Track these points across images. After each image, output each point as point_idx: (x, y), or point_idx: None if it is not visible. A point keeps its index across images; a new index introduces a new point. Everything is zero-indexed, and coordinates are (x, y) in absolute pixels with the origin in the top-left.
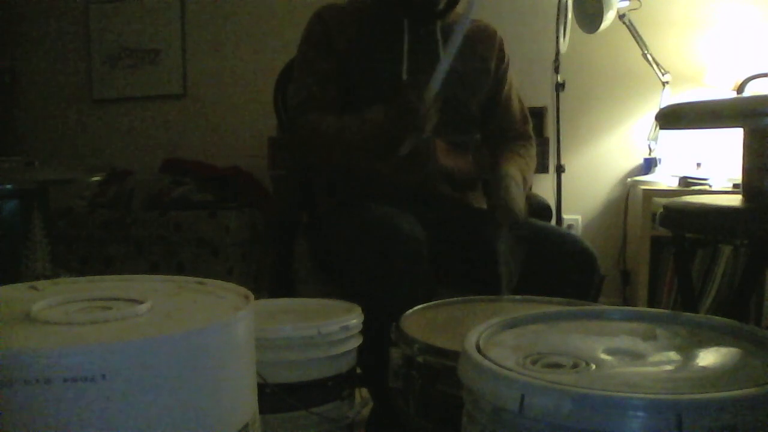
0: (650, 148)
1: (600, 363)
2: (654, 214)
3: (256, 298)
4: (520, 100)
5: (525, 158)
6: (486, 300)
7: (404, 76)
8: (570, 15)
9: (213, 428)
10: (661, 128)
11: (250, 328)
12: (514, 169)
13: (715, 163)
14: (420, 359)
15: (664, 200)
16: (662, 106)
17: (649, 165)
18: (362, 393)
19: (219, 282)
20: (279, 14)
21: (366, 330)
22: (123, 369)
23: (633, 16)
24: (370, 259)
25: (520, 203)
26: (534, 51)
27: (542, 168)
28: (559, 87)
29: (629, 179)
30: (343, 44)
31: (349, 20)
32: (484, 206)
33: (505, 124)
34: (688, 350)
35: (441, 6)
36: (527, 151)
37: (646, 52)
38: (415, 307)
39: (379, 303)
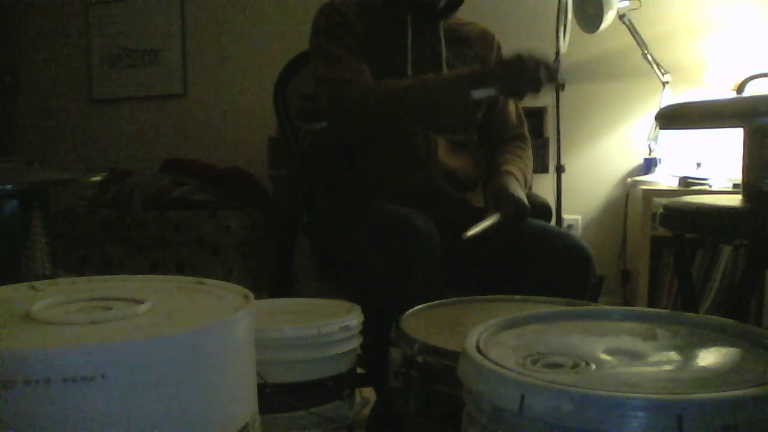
0: (650, 148)
1: (600, 363)
2: (654, 214)
3: (256, 298)
4: (515, 101)
5: (523, 159)
6: (486, 300)
7: (408, 72)
8: (570, 15)
9: (213, 428)
10: (661, 128)
11: (250, 328)
12: (514, 169)
13: (715, 163)
14: (420, 359)
15: (664, 200)
16: (662, 106)
17: (649, 165)
18: (362, 393)
19: (219, 282)
20: (279, 14)
21: (375, 329)
22: (123, 369)
23: (633, 16)
24: (386, 257)
25: (524, 199)
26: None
27: (542, 168)
28: (559, 87)
29: (629, 179)
30: (357, 33)
31: (356, 13)
32: (484, 206)
33: (501, 126)
34: (688, 350)
35: (442, 5)
36: (524, 152)
37: (646, 52)
38: (415, 307)
39: (393, 301)
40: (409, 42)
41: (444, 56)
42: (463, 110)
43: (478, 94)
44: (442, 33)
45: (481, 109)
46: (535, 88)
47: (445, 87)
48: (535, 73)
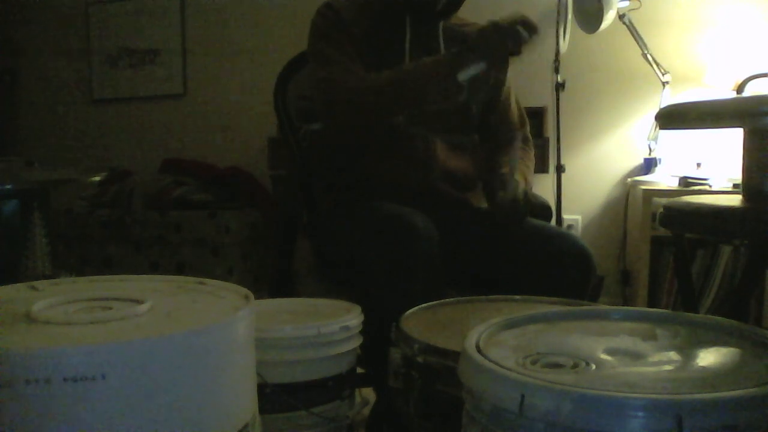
0: (650, 148)
1: (600, 363)
2: (654, 214)
3: (256, 298)
4: (518, 102)
5: (524, 160)
6: (486, 300)
7: None
8: (570, 15)
9: (213, 428)
10: (661, 128)
11: (250, 328)
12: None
13: (715, 163)
14: (420, 359)
15: (664, 200)
16: (662, 106)
17: (649, 165)
18: (362, 393)
19: (219, 282)
20: (279, 14)
21: (374, 329)
22: (123, 369)
23: (633, 16)
24: (385, 257)
25: (521, 204)
26: (534, 51)
27: (542, 168)
28: (559, 87)
29: (629, 179)
30: (354, 33)
31: (354, 14)
32: (484, 206)
33: (503, 126)
34: (688, 350)
35: (440, 7)
36: (526, 153)
37: (646, 52)
38: (415, 307)
39: (392, 301)
40: (407, 43)
41: None
42: (447, 87)
43: (467, 72)
44: (440, 34)
45: (463, 91)
46: (515, 45)
47: (428, 67)
48: (511, 31)
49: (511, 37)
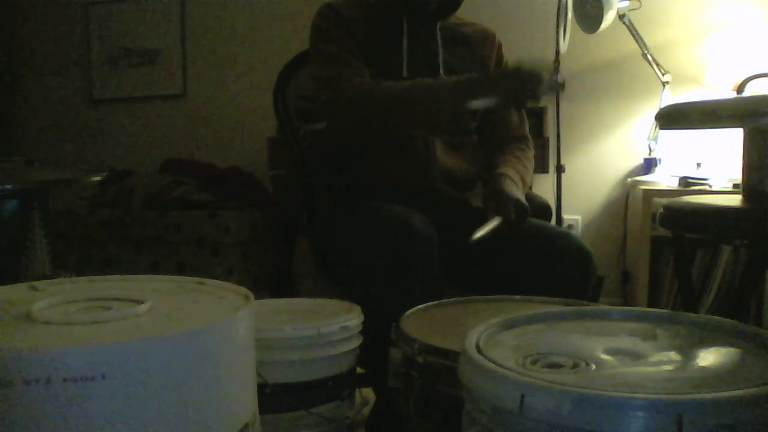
0: (650, 148)
1: (600, 363)
2: (654, 214)
3: (256, 298)
4: None
5: (522, 160)
6: (486, 300)
7: (404, 74)
8: (570, 15)
9: (213, 428)
10: (661, 128)
11: (250, 328)
12: (510, 171)
13: (715, 163)
14: (420, 359)
15: (664, 200)
16: (662, 106)
17: (649, 165)
18: (362, 393)
19: (219, 282)
20: (279, 14)
21: (374, 329)
22: (123, 369)
23: (633, 16)
24: (383, 257)
25: (522, 199)
26: (534, 51)
27: (542, 168)
28: (559, 87)
29: (629, 179)
30: (355, 33)
31: (354, 14)
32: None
33: (502, 126)
34: (688, 350)
35: (434, 7)
36: (524, 153)
37: (646, 52)
38: (415, 308)
39: (392, 301)
40: (405, 44)
41: (441, 57)
42: (458, 117)
43: (476, 104)
44: (438, 34)
45: (476, 117)
46: (533, 99)
47: (441, 93)
48: (533, 86)
49: (532, 86)
